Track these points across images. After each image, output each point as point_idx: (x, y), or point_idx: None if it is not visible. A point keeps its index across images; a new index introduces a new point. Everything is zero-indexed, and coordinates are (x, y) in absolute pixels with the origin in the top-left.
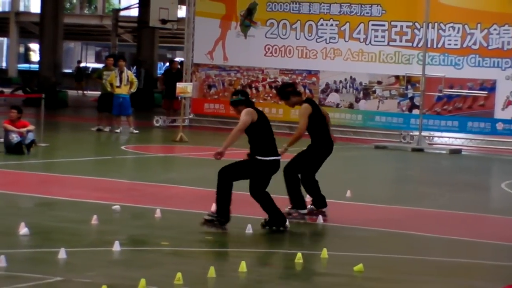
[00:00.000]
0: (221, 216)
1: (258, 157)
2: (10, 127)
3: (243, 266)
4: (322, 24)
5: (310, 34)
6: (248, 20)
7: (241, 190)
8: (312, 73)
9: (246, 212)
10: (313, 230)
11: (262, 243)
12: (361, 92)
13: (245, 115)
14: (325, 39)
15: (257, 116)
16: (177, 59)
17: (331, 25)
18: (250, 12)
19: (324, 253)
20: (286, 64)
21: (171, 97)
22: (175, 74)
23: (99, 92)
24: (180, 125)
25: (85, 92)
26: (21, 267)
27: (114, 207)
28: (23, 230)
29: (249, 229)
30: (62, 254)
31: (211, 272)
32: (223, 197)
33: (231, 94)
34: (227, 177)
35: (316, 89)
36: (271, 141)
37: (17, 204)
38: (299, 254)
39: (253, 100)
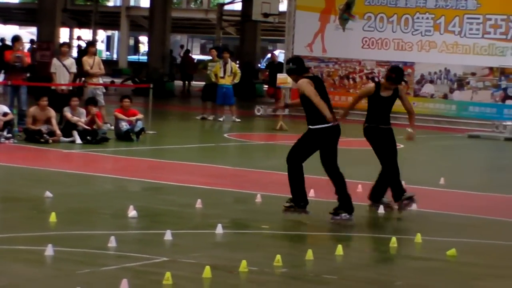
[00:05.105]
0: (298, 201)
1: (315, 127)
2: (120, 115)
3: (339, 250)
4: (418, 18)
5: (406, 27)
6: (346, 13)
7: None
8: (408, 64)
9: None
10: (407, 216)
11: (357, 228)
12: (455, 83)
13: (307, 85)
14: (421, 32)
15: (314, 85)
16: (277, 51)
17: (427, 18)
18: (348, 6)
19: (418, 237)
20: (383, 56)
21: (274, 86)
22: (276, 65)
23: (204, 83)
24: (280, 114)
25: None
26: (130, 248)
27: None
28: (132, 212)
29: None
30: (168, 236)
31: (309, 254)
32: (295, 181)
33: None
34: (294, 160)
35: (411, 80)
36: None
37: (126, 188)
38: (394, 239)
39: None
